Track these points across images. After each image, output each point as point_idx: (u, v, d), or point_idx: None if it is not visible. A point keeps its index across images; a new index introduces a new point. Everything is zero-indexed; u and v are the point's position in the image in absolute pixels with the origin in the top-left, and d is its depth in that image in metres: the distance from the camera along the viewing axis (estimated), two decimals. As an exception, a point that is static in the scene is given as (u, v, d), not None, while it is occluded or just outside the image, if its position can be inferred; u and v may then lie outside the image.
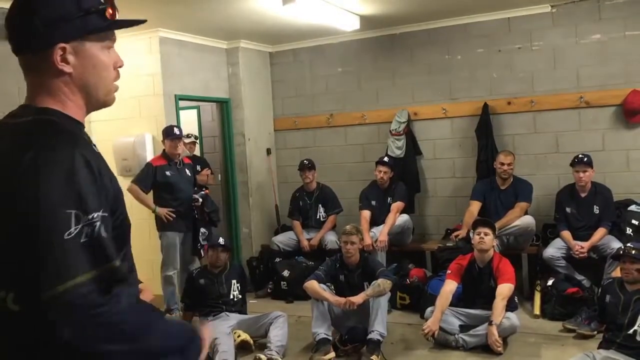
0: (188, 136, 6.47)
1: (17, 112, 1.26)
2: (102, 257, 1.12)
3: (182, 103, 6.48)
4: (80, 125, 1.30)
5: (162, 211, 5.33)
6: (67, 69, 1.25)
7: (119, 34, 1.38)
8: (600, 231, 5.25)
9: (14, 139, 1.19)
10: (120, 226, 1.26)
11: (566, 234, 5.37)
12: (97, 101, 1.33)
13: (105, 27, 1.28)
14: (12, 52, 1.29)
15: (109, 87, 1.32)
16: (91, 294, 1.08)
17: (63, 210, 1.09)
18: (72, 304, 1.06)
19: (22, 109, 1.27)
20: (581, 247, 5.22)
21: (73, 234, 1.08)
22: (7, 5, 1.29)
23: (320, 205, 6.52)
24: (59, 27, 1.22)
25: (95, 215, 1.12)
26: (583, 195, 5.41)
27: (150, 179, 5.38)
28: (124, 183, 5.36)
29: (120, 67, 1.35)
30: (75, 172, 1.12)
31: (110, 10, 1.28)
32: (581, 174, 5.32)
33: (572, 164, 5.39)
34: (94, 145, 1.26)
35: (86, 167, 1.15)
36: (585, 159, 5.33)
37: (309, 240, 6.38)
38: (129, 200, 5.28)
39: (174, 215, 5.36)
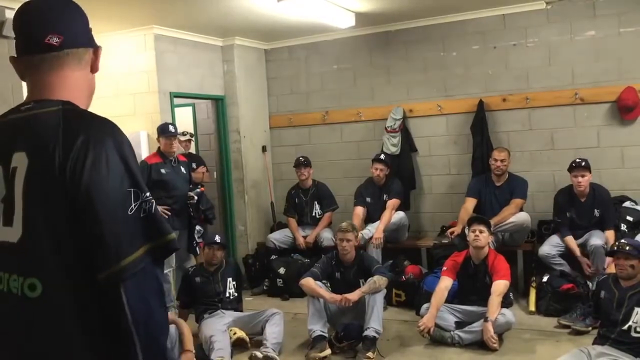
0: (184, 134, 6.46)
1: (32, 106, 1.29)
2: (156, 231, 1.21)
3: (177, 100, 6.47)
4: None
5: (159, 208, 5.31)
6: (96, 68, 1.40)
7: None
8: (610, 235, 5.13)
9: (52, 127, 1.22)
10: None
11: (571, 241, 5.29)
12: (88, 106, 1.42)
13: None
14: (36, 46, 1.30)
15: None
16: (147, 265, 1.18)
17: (124, 189, 1.18)
18: (132, 276, 1.16)
19: (39, 103, 1.29)
20: (589, 265, 5.17)
21: (134, 210, 1.18)
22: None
23: (315, 202, 6.52)
24: (90, 35, 1.40)
25: (148, 193, 1.22)
26: (583, 199, 5.34)
27: (145, 176, 5.36)
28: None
29: None
30: (127, 154, 1.23)
31: None
32: (579, 179, 5.24)
33: (570, 169, 5.31)
34: None
35: (132, 152, 1.25)
36: (583, 163, 5.24)
37: (304, 237, 6.38)
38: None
39: (169, 213, 5.35)
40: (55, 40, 1.29)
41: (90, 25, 1.40)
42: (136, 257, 1.16)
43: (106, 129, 1.24)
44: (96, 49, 1.38)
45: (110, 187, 1.17)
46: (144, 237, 1.18)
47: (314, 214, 6.51)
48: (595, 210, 5.32)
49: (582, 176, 5.25)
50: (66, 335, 1.20)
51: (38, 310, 1.20)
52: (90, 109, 1.43)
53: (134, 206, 1.17)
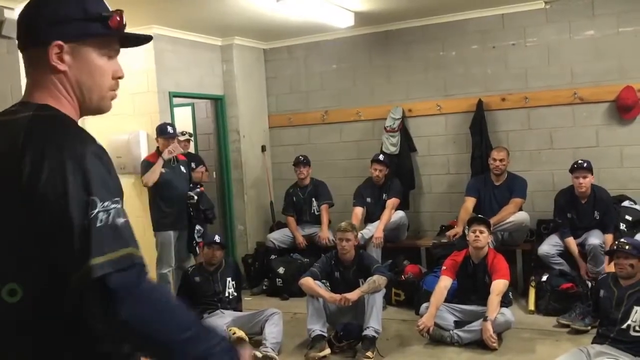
0: (183, 134, 6.46)
1: (15, 109, 1.28)
2: (118, 242, 1.14)
3: (176, 100, 6.47)
4: (76, 123, 1.31)
5: (173, 147, 5.39)
6: (61, 67, 1.28)
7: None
8: (609, 239, 5.08)
9: (17, 134, 1.20)
10: None
11: (571, 243, 5.29)
12: (91, 104, 1.35)
13: (105, 34, 1.31)
14: (18, 48, 1.34)
15: (102, 93, 1.35)
16: (113, 273, 1.11)
17: (79, 198, 1.12)
18: (93, 284, 1.09)
19: (19, 106, 1.29)
20: (587, 273, 5.17)
21: (89, 219, 1.12)
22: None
23: (313, 199, 6.52)
24: (60, 26, 1.27)
25: (108, 203, 1.15)
26: (583, 201, 5.32)
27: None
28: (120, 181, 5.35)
29: (119, 77, 1.38)
30: (88, 162, 1.16)
31: (114, 21, 1.31)
32: (581, 180, 5.21)
33: (572, 170, 5.29)
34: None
35: (97, 158, 1.19)
36: (585, 165, 5.22)
37: (304, 236, 6.39)
38: (125, 197, 5.27)
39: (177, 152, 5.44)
40: (16, 42, 1.32)
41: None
42: (93, 265, 1.09)
43: (68, 138, 1.19)
44: (48, 46, 1.26)
45: (64, 197, 1.12)
46: (104, 247, 1.11)
47: (312, 211, 6.51)
48: (596, 212, 5.30)
49: (584, 177, 5.22)
50: (49, 338, 1.19)
51: (20, 315, 1.19)
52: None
53: (90, 215, 1.11)
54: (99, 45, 1.32)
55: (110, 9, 1.32)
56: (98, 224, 1.12)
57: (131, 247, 1.16)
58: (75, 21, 1.28)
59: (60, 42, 1.26)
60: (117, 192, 1.19)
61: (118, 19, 1.31)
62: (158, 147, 5.52)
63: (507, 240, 5.63)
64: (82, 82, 1.31)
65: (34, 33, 1.29)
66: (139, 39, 1.41)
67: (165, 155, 5.36)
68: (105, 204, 1.14)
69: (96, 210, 1.12)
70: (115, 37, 1.34)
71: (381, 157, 6.21)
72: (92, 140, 1.23)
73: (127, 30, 1.36)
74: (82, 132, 1.25)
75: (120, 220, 1.16)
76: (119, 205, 1.17)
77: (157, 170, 5.31)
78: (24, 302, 1.17)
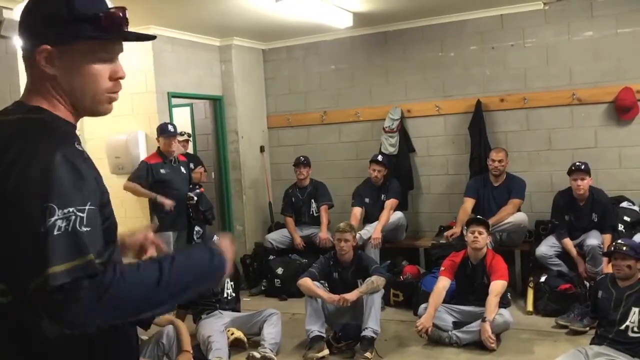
0: (181, 134, 6.45)
1: (11, 109, 1.29)
2: (77, 250, 1.12)
3: (175, 101, 6.46)
4: (69, 126, 1.30)
5: (168, 202, 5.30)
6: (50, 71, 1.25)
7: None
8: (607, 239, 5.08)
9: (6, 136, 1.21)
10: (108, 226, 1.27)
11: (568, 244, 5.30)
12: (85, 108, 1.32)
13: (94, 36, 1.25)
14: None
15: (97, 97, 1.30)
16: (68, 283, 1.09)
17: (36, 205, 1.11)
18: (50, 293, 1.08)
19: (15, 106, 1.29)
20: (586, 271, 5.18)
21: (47, 227, 1.10)
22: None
23: (312, 200, 6.52)
24: (48, 29, 1.24)
25: (70, 209, 1.12)
26: (581, 203, 5.32)
27: (147, 176, 5.37)
28: (118, 181, 5.35)
29: (120, 78, 1.32)
30: (53, 168, 1.14)
31: (108, 21, 1.25)
32: (579, 182, 5.22)
33: (570, 173, 5.29)
34: (79, 144, 1.25)
35: (65, 164, 1.15)
36: (583, 167, 5.23)
37: (302, 237, 6.38)
38: (122, 199, 5.29)
39: (170, 208, 5.32)
40: (14, 42, 1.33)
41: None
42: (51, 274, 1.08)
43: (46, 143, 1.17)
44: (36, 50, 1.24)
45: (26, 201, 1.11)
46: (61, 256, 1.09)
47: (311, 212, 6.51)
48: (594, 214, 5.31)
49: (582, 180, 5.22)
50: (35, 339, 1.20)
51: (17, 315, 1.19)
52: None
53: (47, 222, 1.09)
54: (92, 48, 1.26)
55: (110, 5, 1.28)
56: (56, 232, 1.10)
57: (90, 255, 1.13)
58: (64, 23, 1.23)
59: (47, 47, 1.23)
60: (87, 198, 1.16)
61: (119, 15, 1.26)
62: (159, 147, 5.52)
63: (506, 241, 5.63)
64: (74, 86, 1.27)
65: (27, 36, 1.28)
66: (141, 37, 1.35)
67: (162, 200, 5.28)
68: (66, 210, 1.11)
69: (54, 218, 1.10)
70: (108, 39, 1.28)
71: (380, 157, 6.22)
72: (70, 144, 1.21)
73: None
74: (64, 136, 1.23)
75: (83, 229, 1.13)
76: (83, 214, 1.13)
77: (142, 195, 5.26)
78: (16, 302, 1.17)
